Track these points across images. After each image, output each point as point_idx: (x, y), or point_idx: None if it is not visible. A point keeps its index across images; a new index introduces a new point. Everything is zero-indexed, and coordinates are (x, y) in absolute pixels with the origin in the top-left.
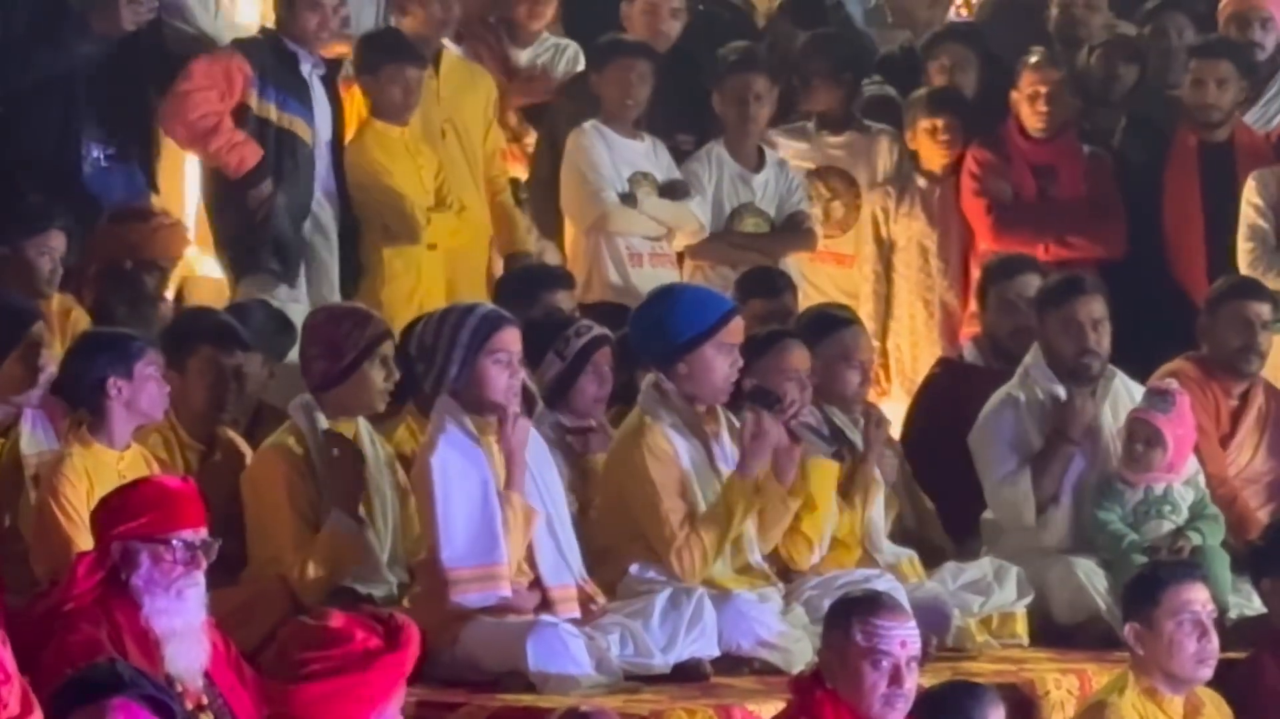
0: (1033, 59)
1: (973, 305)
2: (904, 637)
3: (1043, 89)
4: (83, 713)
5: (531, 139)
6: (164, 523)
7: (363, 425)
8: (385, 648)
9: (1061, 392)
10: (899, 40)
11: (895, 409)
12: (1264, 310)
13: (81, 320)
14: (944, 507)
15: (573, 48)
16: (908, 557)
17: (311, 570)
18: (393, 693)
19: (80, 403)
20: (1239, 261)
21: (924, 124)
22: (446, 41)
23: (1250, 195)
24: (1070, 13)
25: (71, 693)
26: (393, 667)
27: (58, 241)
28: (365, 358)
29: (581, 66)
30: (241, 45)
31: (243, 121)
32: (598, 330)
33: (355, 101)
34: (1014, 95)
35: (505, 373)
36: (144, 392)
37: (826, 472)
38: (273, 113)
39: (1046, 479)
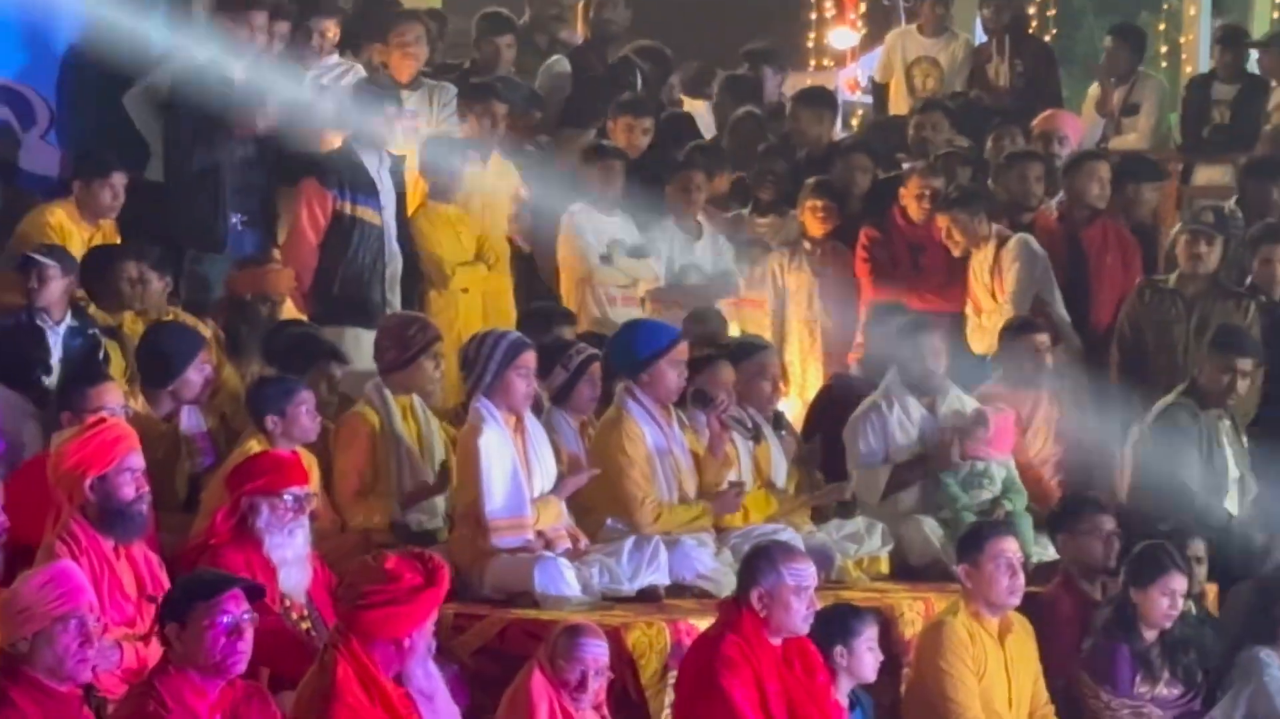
0: (921, 167)
1: (859, 338)
2: (813, 575)
3: (926, 191)
4: (203, 606)
5: None
6: (277, 482)
7: (417, 400)
8: (425, 584)
9: (911, 401)
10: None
11: (789, 405)
12: (1043, 339)
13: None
14: (830, 478)
15: None
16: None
17: (361, 519)
18: (429, 617)
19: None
20: (1012, 304)
21: (808, 204)
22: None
23: (1012, 255)
24: (920, 133)
25: (190, 593)
26: (430, 600)
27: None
28: (423, 352)
29: None
30: (322, 172)
31: (332, 217)
32: (590, 351)
33: (419, 185)
34: (902, 191)
35: (524, 382)
36: (296, 424)
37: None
38: (348, 208)
39: (909, 476)
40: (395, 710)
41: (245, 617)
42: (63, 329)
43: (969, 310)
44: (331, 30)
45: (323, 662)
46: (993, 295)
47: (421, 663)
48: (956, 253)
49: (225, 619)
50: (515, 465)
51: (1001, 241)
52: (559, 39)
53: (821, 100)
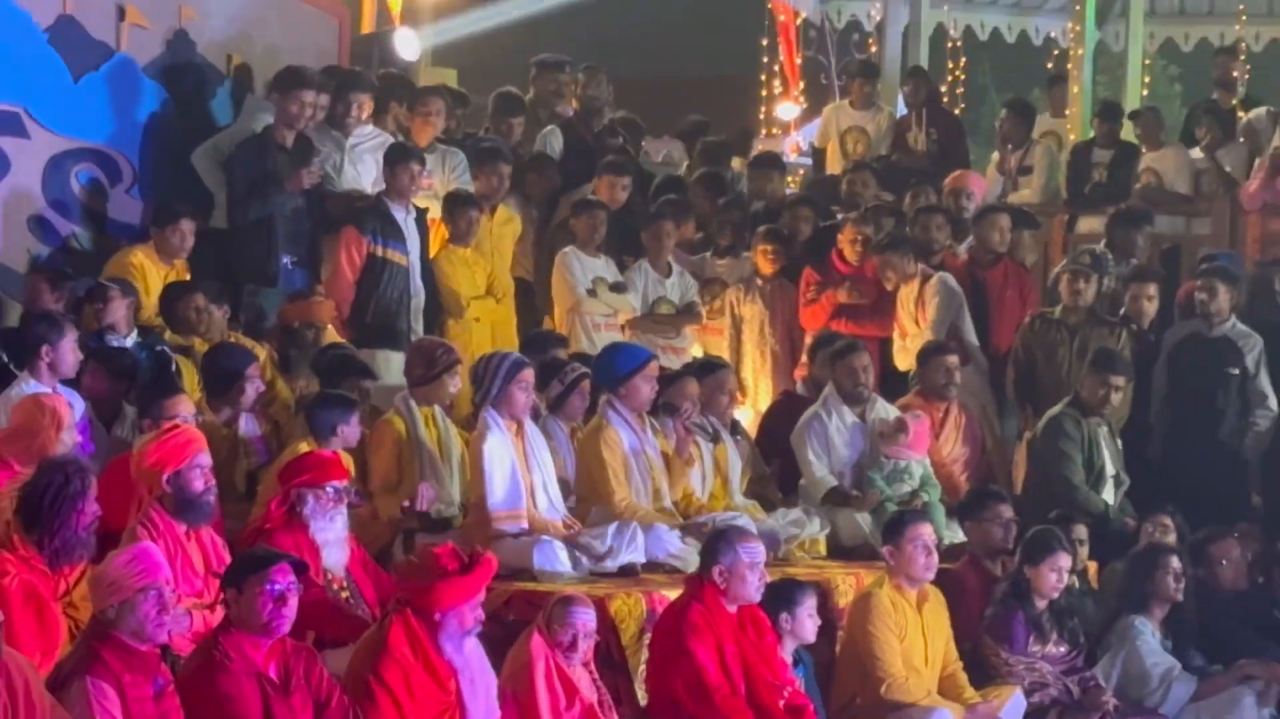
0: (854, 217)
1: (804, 359)
2: (763, 554)
3: (858, 237)
4: (255, 576)
5: None
6: (321, 477)
7: (438, 410)
8: (459, 571)
9: (846, 411)
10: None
11: (743, 415)
12: (954, 360)
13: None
14: (782, 476)
15: None
16: (753, 503)
17: (389, 509)
18: (460, 600)
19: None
20: (931, 330)
21: (759, 247)
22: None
23: (933, 290)
24: (852, 189)
25: (246, 565)
26: (464, 583)
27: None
28: (446, 371)
29: None
30: (359, 221)
31: (366, 259)
32: (581, 369)
33: (440, 231)
34: (840, 237)
35: (524, 395)
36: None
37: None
38: (379, 250)
39: (837, 499)
40: (436, 673)
41: (290, 587)
42: (130, 343)
43: (895, 334)
44: (367, 103)
45: (381, 623)
46: (916, 322)
47: (451, 639)
48: (889, 287)
49: (273, 588)
50: (514, 466)
51: (925, 279)
52: (556, 112)
53: (770, 163)
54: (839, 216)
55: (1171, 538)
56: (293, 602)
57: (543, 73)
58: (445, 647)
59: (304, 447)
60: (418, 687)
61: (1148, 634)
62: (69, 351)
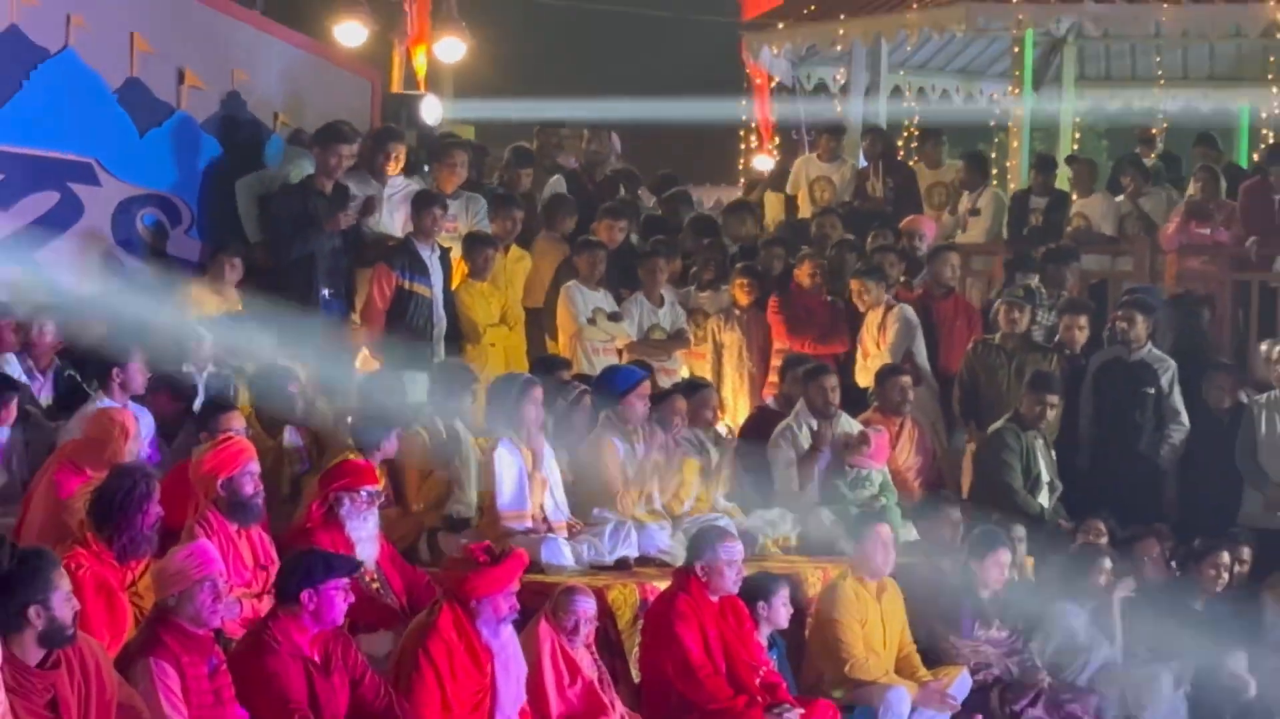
0: (811, 253)
1: (773, 377)
2: (741, 551)
3: (813, 267)
4: (319, 585)
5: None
6: (355, 483)
7: (460, 424)
8: (490, 563)
9: (814, 422)
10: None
11: (723, 427)
12: (908, 380)
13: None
14: (757, 481)
15: None
16: (734, 505)
17: (420, 507)
18: (491, 590)
19: (364, 449)
20: (889, 354)
21: (737, 281)
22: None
23: (893, 319)
24: (820, 230)
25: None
26: (495, 573)
27: None
28: (465, 389)
29: None
30: (389, 259)
31: (396, 291)
32: (582, 388)
33: (460, 267)
34: (796, 272)
35: (534, 410)
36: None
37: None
38: (406, 284)
39: (805, 471)
40: (476, 656)
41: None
42: (206, 374)
43: (859, 354)
44: (401, 152)
45: (432, 609)
46: (877, 345)
47: (488, 624)
48: (863, 309)
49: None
50: (521, 472)
51: (888, 308)
52: (557, 162)
53: (745, 210)
54: (809, 253)
55: (1104, 541)
56: (348, 599)
57: (544, 129)
58: (483, 631)
59: (350, 456)
60: (459, 667)
61: (1072, 617)
62: (137, 372)
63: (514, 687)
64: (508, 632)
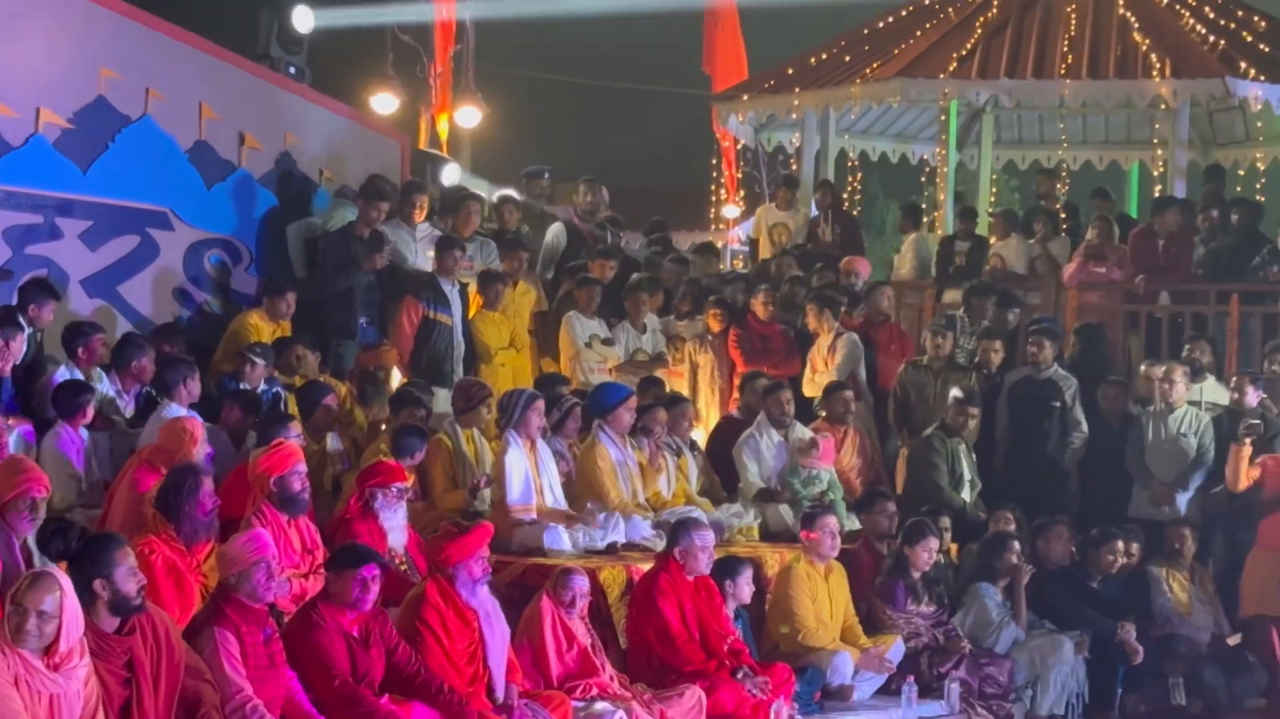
0: (765, 288)
1: (736, 393)
2: (712, 538)
3: (766, 299)
4: (350, 569)
5: None
6: (387, 480)
7: (476, 430)
8: (459, 533)
9: (772, 431)
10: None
11: (699, 435)
12: (850, 395)
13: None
14: (725, 479)
15: None
16: (705, 500)
17: (446, 503)
18: (464, 555)
19: (399, 454)
20: (836, 373)
21: (709, 312)
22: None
23: (842, 343)
24: (778, 269)
25: (341, 558)
26: (464, 540)
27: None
28: (480, 402)
29: None
30: (417, 292)
31: (422, 320)
32: (575, 400)
33: (475, 299)
34: (752, 301)
35: (537, 419)
36: (420, 455)
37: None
38: (431, 313)
39: (765, 498)
40: (462, 615)
41: (374, 578)
42: (260, 390)
43: (808, 370)
44: (424, 201)
45: (420, 585)
46: (825, 364)
47: (465, 586)
48: (813, 329)
49: (362, 578)
50: (527, 472)
51: (837, 334)
52: (544, 210)
53: (710, 250)
54: (765, 289)
55: (1012, 528)
56: (375, 589)
57: (529, 180)
58: (463, 593)
59: (383, 458)
60: (451, 627)
61: (991, 597)
62: (196, 384)
63: (499, 638)
64: (484, 592)
